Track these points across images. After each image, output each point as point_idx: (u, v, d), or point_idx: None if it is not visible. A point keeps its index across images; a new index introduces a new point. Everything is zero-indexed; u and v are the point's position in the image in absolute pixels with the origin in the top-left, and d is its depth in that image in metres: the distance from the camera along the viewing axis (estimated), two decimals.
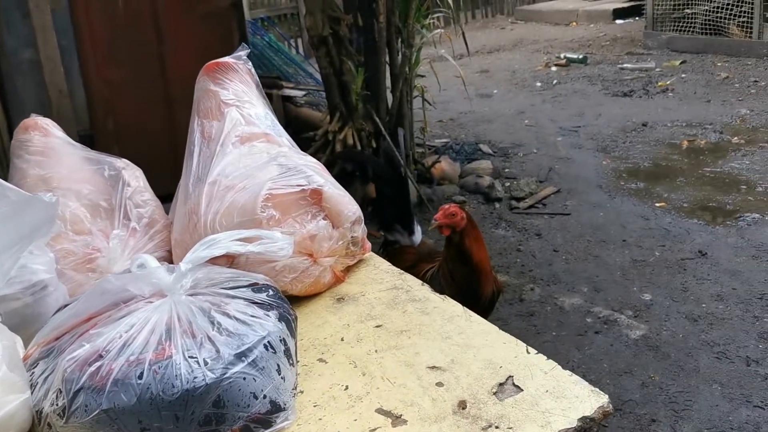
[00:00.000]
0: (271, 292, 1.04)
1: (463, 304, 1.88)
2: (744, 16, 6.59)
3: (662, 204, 3.76)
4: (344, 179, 4.17)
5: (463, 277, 2.01)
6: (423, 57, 4.39)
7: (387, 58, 4.04)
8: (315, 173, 1.27)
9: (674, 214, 3.63)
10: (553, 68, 7.06)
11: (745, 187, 3.86)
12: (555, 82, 6.54)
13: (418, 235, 2.32)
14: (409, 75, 4.13)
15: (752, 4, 6.45)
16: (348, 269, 1.32)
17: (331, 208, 1.25)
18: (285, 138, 1.41)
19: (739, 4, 6.66)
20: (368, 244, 1.36)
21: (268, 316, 0.98)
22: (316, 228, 1.22)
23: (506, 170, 4.47)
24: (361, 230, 1.30)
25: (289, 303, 1.04)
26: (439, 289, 2.06)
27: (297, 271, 1.20)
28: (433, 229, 2.05)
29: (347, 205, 1.27)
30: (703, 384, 2.33)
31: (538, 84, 6.54)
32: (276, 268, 1.18)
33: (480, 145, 4.92)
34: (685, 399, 2.27)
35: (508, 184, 4.20)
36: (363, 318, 1.16)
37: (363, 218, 1.31)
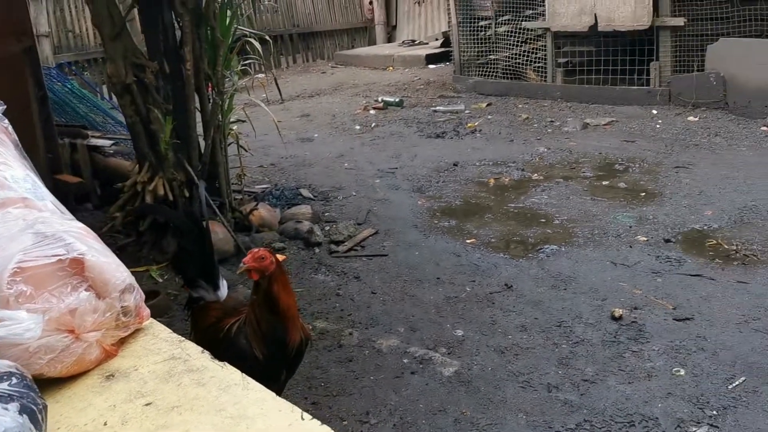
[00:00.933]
0: (13, 381, 0.93)
1: (270, 352, 1.82)
2: (539, 62, 7.21)
3: (472, 240, 3.95)
4: (157, 231, 3.97)
5: (270, 324, 1.96)
6: (244, 102, 4.35)
7: (198, 105, 3.95)
8: (76, 240, 1.17)
9: (483, 249, 3.82)
10: (372, 111, 7.27)
11: (544, 220, 4.15)
12: (373, 125, 6.74)
13: (223, 290, 2.24)
14: (221, 122, 4.06)
15: (545, 51, 7.07)
16: (121, 341, 1.22)
17: (96, 278, 1.15)
18: (48, 201, 1.30)
19: (535, 51, 7.28)
20: (146, 312, 1.27)
21: (6, 409, 0.87)
22: (77, 301, 1.12)
23: (326, 214, 4.49)
24: (133, 299, 1.21)
25: (38, 390, 0.93)
26: (244, 340, 2.00)
27: (55, 351, 1.09)
28: (241, 272, 1.99)
29: (114, 273, 1.18)
30: (510, 414, 2.43)
31: (358, 127, 6.70)
32: (30, 350, 1.07)
33: (300, 189, 4.92)
34: (493, 431, 2.36)
35: (327, 228, 4.22)
36: (132, 396, 1.08)
37: (135, 285, 1.22)
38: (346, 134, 6.53)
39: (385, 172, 5.29)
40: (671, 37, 6.21)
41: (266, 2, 5.84)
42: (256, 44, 4.05)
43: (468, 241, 3.95)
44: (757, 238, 3.62)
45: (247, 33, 4.16)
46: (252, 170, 5.38)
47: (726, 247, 3.56)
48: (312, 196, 4.82)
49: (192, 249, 2.20)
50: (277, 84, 4.55)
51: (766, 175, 4.45)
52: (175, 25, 3.79)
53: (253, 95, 4.62)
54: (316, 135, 6.56)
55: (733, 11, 6.03)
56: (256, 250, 1.99)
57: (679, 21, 6.10)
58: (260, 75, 5.02)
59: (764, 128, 5.40)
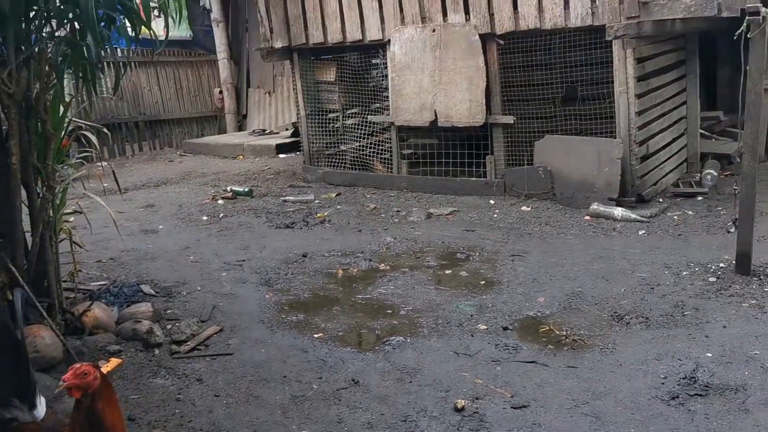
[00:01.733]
0: None
1: None
2: (385, 153, 7.50)
3: (320, 335, 3.92)
4: None
5: None
6: (81, 194, 4.13)
7: (26, 200, 3.71)
8: None
9: (331, 344, 3.79)
10: (220, 201, 7.17)
11: (390, 311, 4.22)
12: (221, 215, 6.63)
13: (41, 408, 2.05)
14: (52, 217, 3.82)
15: (391, 143, 7.38)
16: None
17: None
18: None
19: (381, 143, 7.58)
20: None
21: None
22: None
23: (168, 311, 4.30)
24: None
25: None
26: None
27: None
28: (60, 391, 1.84)
29: None
30: None
31: (205, 218, 6.57)
32: None
33: (141, 285, 4.70)
34: None
35: (169, 326, 4.03)
36: None
37: None
38: (192, 225, 6.37)
39: (232, 264, 5.18)
40: (503, 133, 6.71)
41: (106, 94, 5.68)
42: (93, 138, 3.90)
43: (316, 335, 3.92)
44: (584, 323, 3.88)
45: (83, 125, 4.01)
46: (89, 266, 5.09)
47: (557, 332, 3.78)
48: (154, 293, 4.61)
49: (4, 364, 2.02)
50: (115, 176, 4.36)
51: (590, 262, 4.82)
52: (2, 116, 3.59)
53: (92, 185, 4.43)
54: (160, 226, 6.34)
55: (556, 111, 6.65)
56: (78, 365, 1.86)
57: (509, 119, 6.62)
58: (103, 163, 4.81)
59: (587, 217, 5.89)
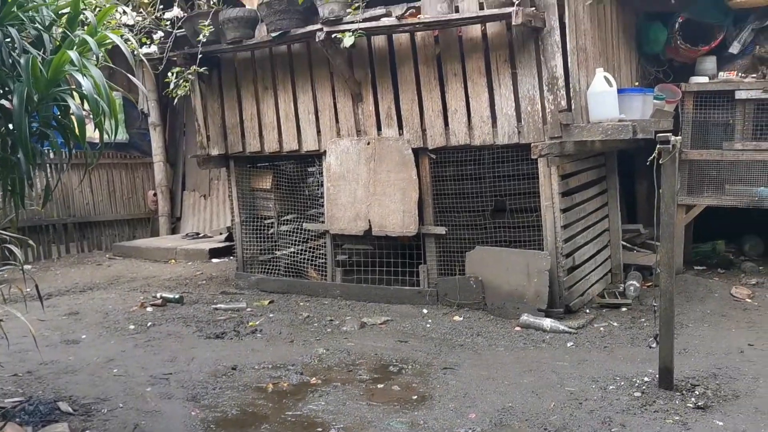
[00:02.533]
0: None
1: None
2: (320, 260, 7.52)
3: None
4: None
5: None
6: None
7: None
8: None
9: None
10: (149, 309, 6.99)
11: (320, 429, 4.12)
12: (150, 324, 6.45)
13: None
14: None
15: (326, 250, 7.42)
16: None
17: None
18: None
19: (316, 249, 7.62)
20: None
21: None
22: None
23: None
24: None
25: None
26: None
27: None
28: None
29: None
30: None
31: (132, 327, 6.37)
32: None
33: (59, 402, 4.46)
34: None
35: None
36: None
37: None
38: (118, 335, 6.16)
39: (158, 378, 5.00)
40: (436, 243, 6.86)
41: (35, 205, 5.60)
42: (17, 251, 3.80)
43: None
44: None
45: (7, 237, 3.91)
46: (4, 381, 4.83)
47: None
48: (72, 410, 4.38)
49: None
50: (36, 287, 4.23)
51: (520, 375, 4.86)
52: None
53: (13, 290, 4.28)
54: (83, 336, 6.11)
55: (486, 222, 6.86)
56: None
57: (441, 230, 6.79)
58: (27, 266, 4.67)
59: (518, 328, 5.99)
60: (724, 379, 4.62)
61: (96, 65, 3.53)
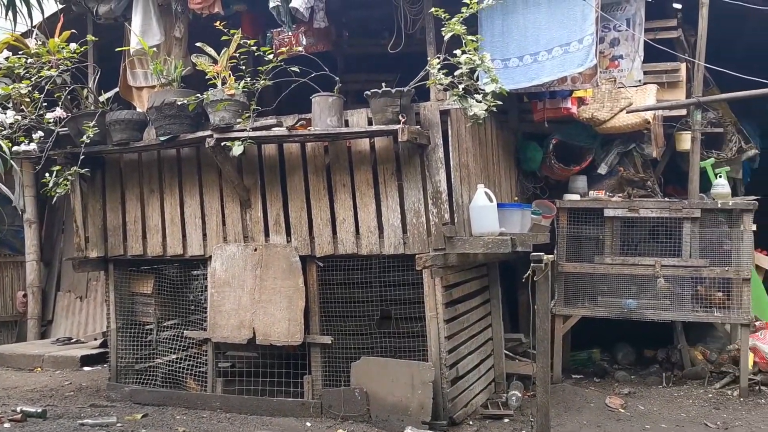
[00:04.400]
0: None
1: None
2: (201, 368, 7.19)
3: None
4: None
5: None
6: None
7: None
8: None
9: None
10: (6, 425, 6.36)
11: None
12: None
13: None
14: None
15: (207, 359, 7.12)
16: None
17: None
18: None
19: (196, 356, 7.30)
20: None
21: None
22: None
23: None
24: None
25: None
26: None
27: None
28: None
29: None
30: None
31: None
32: None
33: None
34: None
35: None
36: None
37: None
38: None
39: None
40: (321, 353, 6.74)
41: None
42: None
43: None
44: None
45: None
46: None
47: None
48: None
49: None
50: None
51: None
52: None
53: None
54: None
55: (372, 331, 6.83)
56: None
57: (327, 339, 6.70)
58: None
59: None
60: None
61: None
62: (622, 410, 6.74)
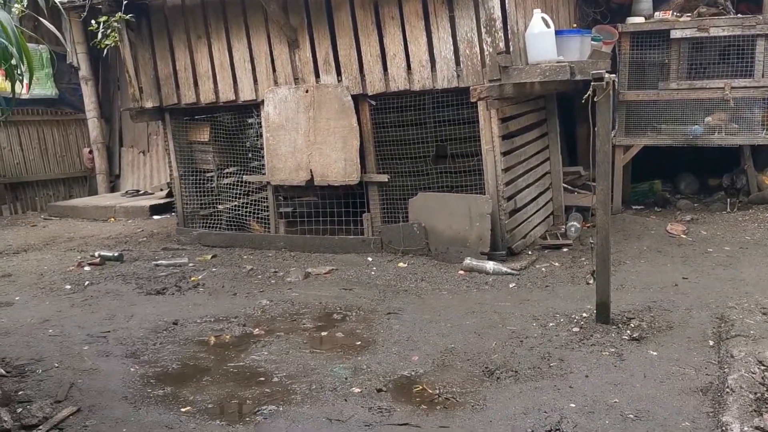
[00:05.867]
0: None
1: None
2: (262, 213, 7.41)
3: (188, 408, 3.73)
4: None
5: None
6: None
7: None
8: None
9: (198, 418, 3.62)
10: (87, 268, 6.79)
11: (263, 379, 4.09)
12: (87, 283, 6.27)
13: None
14: None
15: (268, 202, 7.30)
16: None
17: None
18: None
19: (258, 202, 7.49)
20: None
21: None
22: None
23: (20, 393, 3.96)
24: None
25: None
26: None
27: None
28: None
29: None
30: None
31: (68, 287, 6.18)
32: None
33: None
34: None
35: (20, 409, 3.71)
36: None
37: None
38: (54, 295, 5.97)
39: (95, 336, 4.88)
40: (378, 191, 6.81)
41: None
42: None
43: (183, 409, 3.73)
44: (456, 380, 3.92)
45: None
46: None
47: (430, 391, 3.79)
48: (4, 372, 4.25)
49: None
50: None
51: (463, 317, 4.91)
52: None
53: None
54: (17, 298, 5.90)
55: (428, 168, 6.82)
56: None
57: (384, 177, 6.74)
58: None
59: (461, 272, 6.03)
60: (659, 311, 4.75)
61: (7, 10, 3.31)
62: (684, 236, 6.69)
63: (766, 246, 6.20)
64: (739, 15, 7.42)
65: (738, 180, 7.83)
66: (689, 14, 7.42)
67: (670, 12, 7.52)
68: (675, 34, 7.26)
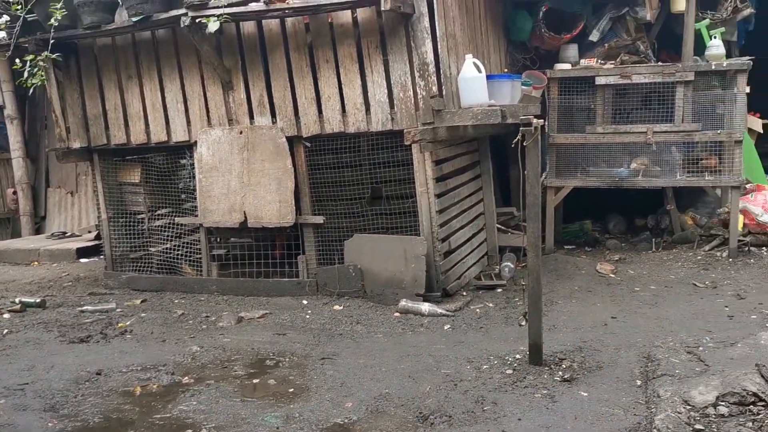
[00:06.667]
0: None
1: None
2: (195, 255, 7.24)
3: None
4: None
5: None
6: None
7: None
8: None
9: None
10: (6, 315, 6.48)
11: (191, 430, 3.95)
12: (6, 332, 5.97)
13: None
14: None
15: (200, 245, 7.15)
16: None
17: None
18: None
19: (190, 245, 7.33)
20: None
21: None
22: None
23: None
24: None
25: None
26: None
27: None
28: None
29: None
30: None
31: None
32: None
33: None
34: None
35: None
36: None
37: None
38: None
39: (12, 389, 4.62)
40: (314, 233, 6.76)
41: None
42: None
43: None
44: (390, 427, 3.86)
45: None
46: None
47: None
48: None
49: None
50: None
51: (398, 361, 4.87)
52: None
53: None
54: None
55: (364, 210, 6.82)
56: None
57: (319, 219, 6.70)
58: None
59: (397, 314, 6.01)
60: (589, 351, 4.82)
61: None
62: (613, 275, 6.85)
63: (688, 284, 6.41)
64: (660, 63, 7.77)
65: (662, 220, 8.11)
66: (613, 62, 7.73)
67: (595, 59, 7.82)
68: (600, 80, 7.54)
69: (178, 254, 7.33)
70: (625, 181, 7.57)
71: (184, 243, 7.40)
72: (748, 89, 7.31)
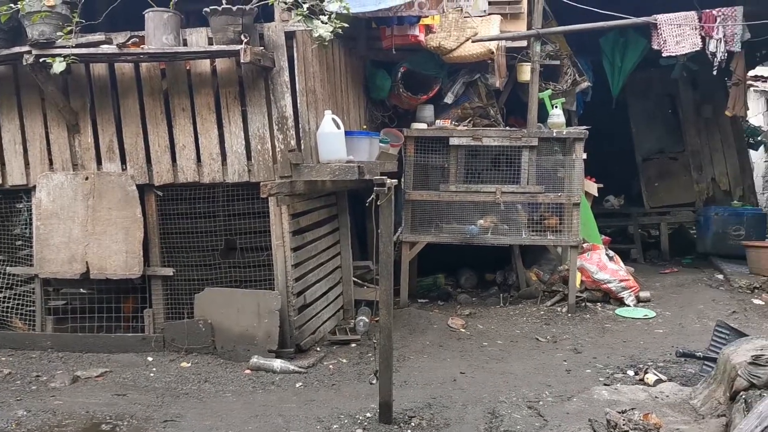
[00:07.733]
0: None
1: None
2: (28, 307, 6.67)
3: None
4: None
5: None
6: None
7: None
8: None
9: None
10: None
11: None
12: None
13: None
14: None
15: (34, 298, 6.61)
16: None
17: None
18: None
19: (22, 296, 6.75)
20: None
21: None
22: None
23: None
24: None
25: None
26: None
27: None
28: None
29: None
30: None
31: None
32: None
33: None
34: None
35: None
36: None
37: None
38: None
39: None
40: (162, 286, 6.47)
41: None
42: None
43: None
44: None
45: None
46: None
47: None
48: None
49: None
50: None
51: (246, 422, 4.70)
52: None
53: None
54: None
55: (217, 262, 6.62)
56: None
57: (169, 271, 6.43)
58: None
59: (248, 371, 5.82)
60: (438, 408, 4.90)
61: None
62: (463, 330, 7.06)
63: (532, 339, 6.73)
64: (508, 128, 8.26)
65: (509, 276, 8.52)
66: (465, 124, 8.13)
67: (450, 120, 8.18)
68: (453, 141, 7.88)
69: (7, 306, 6.72)
70: (475, 238, 7.89)
71: (15, 294, 6.80)
72: (584, 155, 7.92)
